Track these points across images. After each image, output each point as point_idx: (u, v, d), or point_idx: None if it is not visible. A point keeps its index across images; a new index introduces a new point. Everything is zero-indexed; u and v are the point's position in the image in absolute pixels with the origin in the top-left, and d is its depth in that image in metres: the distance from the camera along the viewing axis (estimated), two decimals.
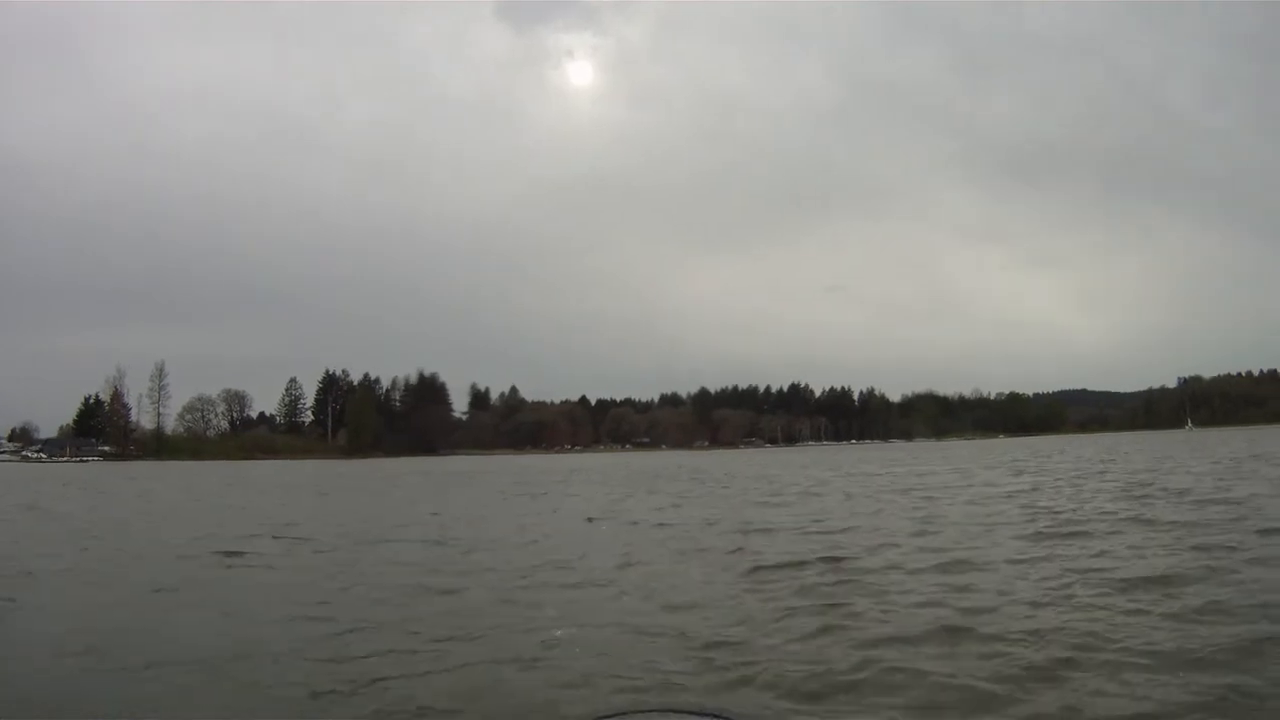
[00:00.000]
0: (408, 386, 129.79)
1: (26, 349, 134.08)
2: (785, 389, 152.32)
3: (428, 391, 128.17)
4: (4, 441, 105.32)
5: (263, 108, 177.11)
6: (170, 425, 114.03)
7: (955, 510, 14.63)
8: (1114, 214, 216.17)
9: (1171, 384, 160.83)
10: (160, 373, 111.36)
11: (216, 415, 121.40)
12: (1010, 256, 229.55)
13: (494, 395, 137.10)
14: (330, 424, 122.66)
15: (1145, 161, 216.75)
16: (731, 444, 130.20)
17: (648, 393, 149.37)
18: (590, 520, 15.13)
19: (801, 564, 8.81)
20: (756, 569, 8.62)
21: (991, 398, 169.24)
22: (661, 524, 13.79)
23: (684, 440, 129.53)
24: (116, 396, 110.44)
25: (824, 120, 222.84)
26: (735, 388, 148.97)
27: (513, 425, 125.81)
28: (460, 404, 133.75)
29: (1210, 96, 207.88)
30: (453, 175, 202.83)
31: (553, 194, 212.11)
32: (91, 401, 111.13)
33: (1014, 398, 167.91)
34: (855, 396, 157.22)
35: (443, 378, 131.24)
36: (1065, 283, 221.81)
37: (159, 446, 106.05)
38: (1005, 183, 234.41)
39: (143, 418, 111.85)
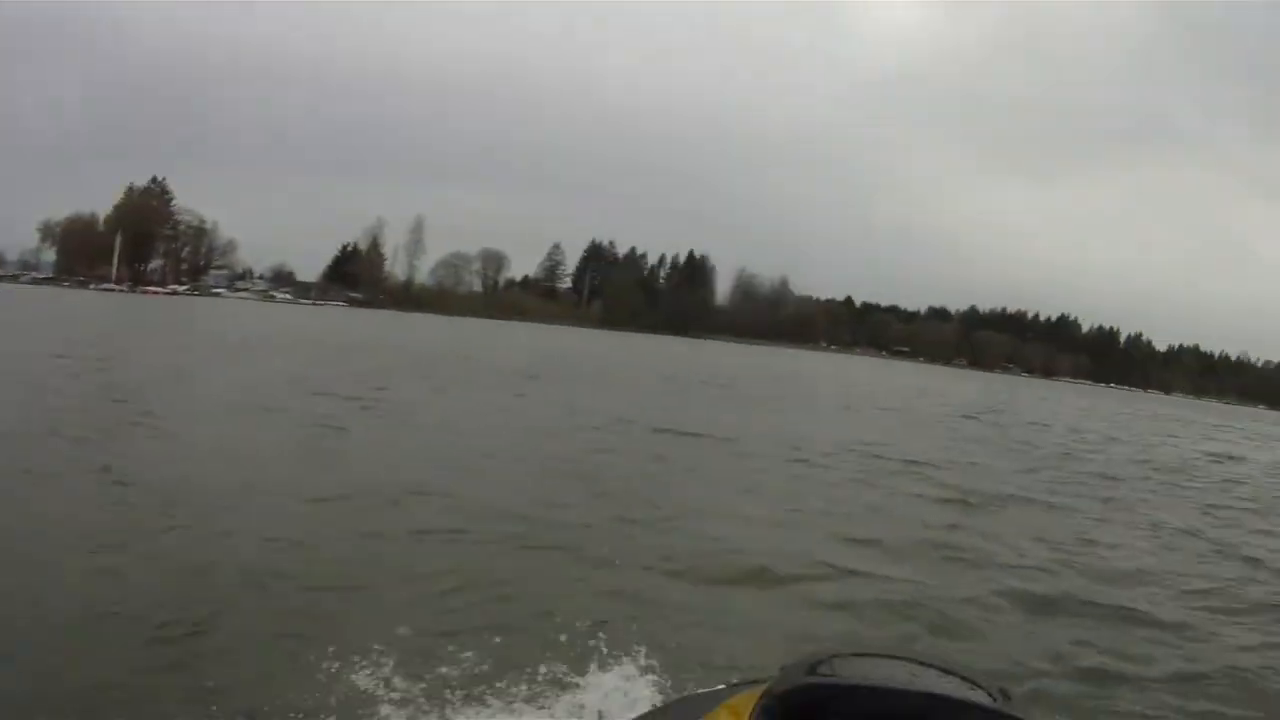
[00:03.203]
0: (674, 266, 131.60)
1: (296, 195, 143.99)
2: (1053, 319, 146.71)
3: (695, 273, 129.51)
4: (257, 280, 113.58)
5: None
6: (424, 279, 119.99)
7: None
8: None
9: None
10: (419, 226, 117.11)
11: (471, 274, 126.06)
12: None
13: (764, 285, 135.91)
14: (586, 294, 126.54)
15: None
16: (989, 368, 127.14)
17: (915, 303, 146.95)
18: None
19: None
20: None
21: (1259, 365, 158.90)
22: None
23: (943, 357, 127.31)
24: (374, 246, 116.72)
25: (1133, 57, 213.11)
26: (1003, 310, 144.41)
27: (777, 318, 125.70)
28: (726, 289, 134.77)
29: None
30: (747, 65, 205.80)
31: (851, 92, 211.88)
32: (349, 249, 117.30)
33: None
34: (1122, 339, 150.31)
35: (713, 261, 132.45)
36: None
37: (406, 298, 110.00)
38: None
39: (397, 268, 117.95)
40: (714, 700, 2.46)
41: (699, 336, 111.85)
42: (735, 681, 2.74)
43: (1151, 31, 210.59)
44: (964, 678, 2.20)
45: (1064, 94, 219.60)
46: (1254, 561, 10.69)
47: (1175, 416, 57.65)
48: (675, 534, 8.75)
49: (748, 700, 2.19)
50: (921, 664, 2.25)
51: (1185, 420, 53.53)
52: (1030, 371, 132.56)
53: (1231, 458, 27.45)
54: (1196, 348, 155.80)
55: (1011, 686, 2.19)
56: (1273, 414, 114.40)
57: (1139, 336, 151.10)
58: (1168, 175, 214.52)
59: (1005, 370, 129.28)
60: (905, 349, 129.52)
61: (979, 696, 2.08)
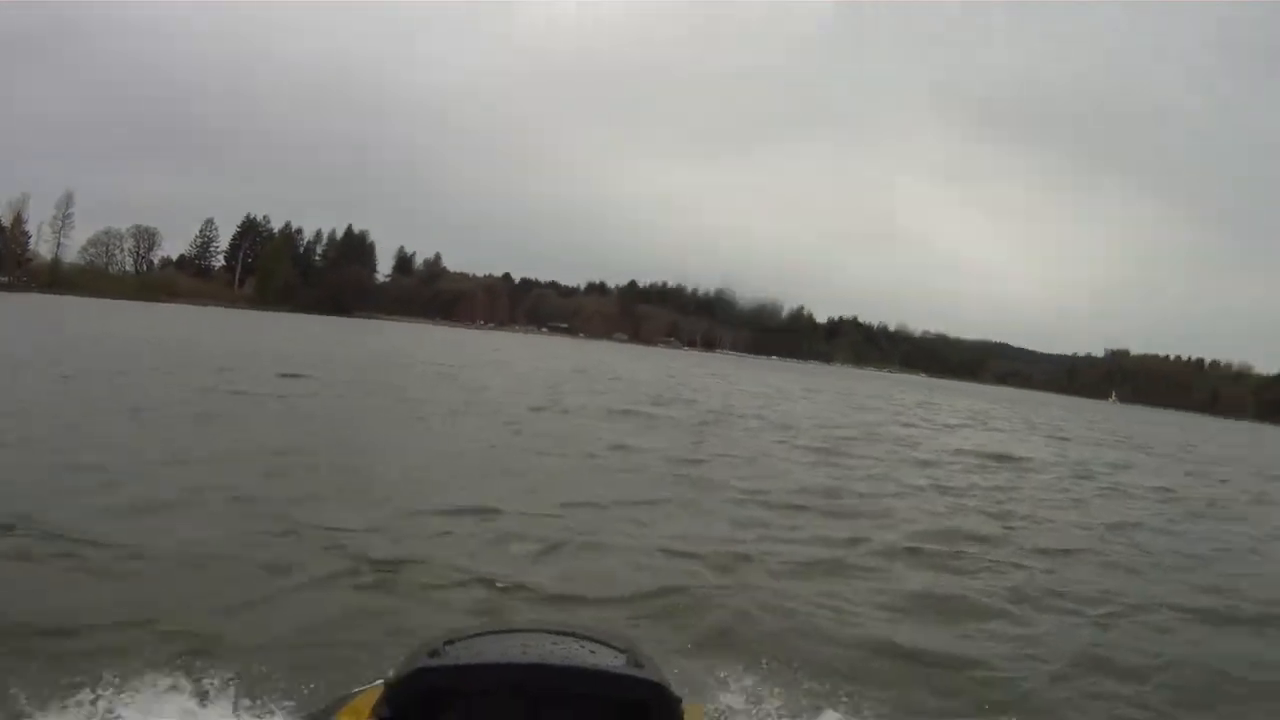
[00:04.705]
0: (332, 241, 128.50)
1: None
2: (712, 293, 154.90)
3: (354, 249, 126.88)
4: None
5: None
6: (72, 259, 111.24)
7: None
8: (1076, 178, 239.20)
9: (1097, 353, 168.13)
10: (67, 201, 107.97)
11: (123, 252, 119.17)
12: (962, 199, 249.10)
13: (419, 261, 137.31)
14: (240, 272, 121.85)
15: (1119, 134, 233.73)
16: (650, 341, 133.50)
17: (574, 278, 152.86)
18: None
19: None
20: None
21: (917, 335, 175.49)
22: None
23: (603, 331, 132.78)
24: (17, 222, 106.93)
25: (805, 39, 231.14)
26: (664, 284, 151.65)
27: (432, 293, 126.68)
28: (386, 266, 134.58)
29: (1196, 86, 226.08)
30: (408, 37, 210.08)
31: (511, 69, 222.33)
32: None
33: (941, 339, 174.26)
34: (784, 312, 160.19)
35: (372, 237, 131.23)
36: (1009, 235, 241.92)
37: (53, 279, 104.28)
38: (974, 129, 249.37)
39: (43, 248, 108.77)
40: (336, 707, 2.46)
41: (358, 315, 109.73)
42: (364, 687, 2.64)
43: (829, 19, 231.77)
44: (596, 640, 2.27)
45: (734, 78, 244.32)
46: None
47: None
48: None
49: (369, 698, 2.18)
50: (549, 632, 2.30)
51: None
52: (691, 344, 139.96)
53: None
54: (855, 319, 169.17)
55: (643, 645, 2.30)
56: (934, 380, 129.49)
57: (800, 310, 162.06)
58: (830, 155, 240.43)
59: (666, 344, 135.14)
60: (564, 325, 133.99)
61: (604, 657, 2.16)
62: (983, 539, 10.66)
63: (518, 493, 10.01)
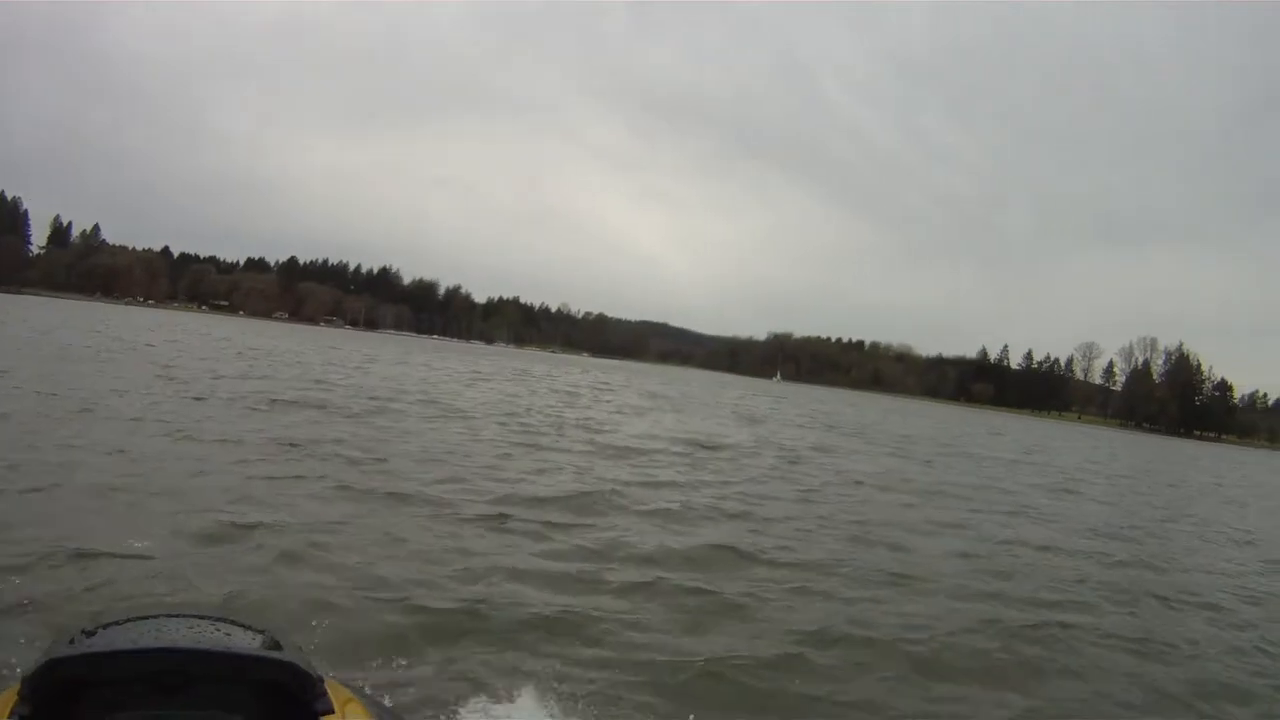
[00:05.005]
0: None
1: None
2: (375, 271, 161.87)
3: (4, 218, 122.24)
4: None
5: None
6: None
7: None
8: (743, 173, 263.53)
9: (760, 336, 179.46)
10: None
11: None
12: (627, 186, 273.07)
13: (76, 232, 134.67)
14: None
15: (787, 136, 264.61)
16: (313, 320, 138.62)
17: (235, 254, 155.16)
18: None
19: None
20: None
21: (579, 315, 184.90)
22: None
23: (264, 309, 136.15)
24: None
25: (478, 24, 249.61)
26: (325, 261, 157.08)
27: (88, 268, 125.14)
28: (42, 237, 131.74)
29: (866, 96, 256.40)
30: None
31: (178, 34, 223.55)
32: None
33: (601, 319, 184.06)
34: (441, 291, 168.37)
35: (27, 205, 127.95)
36: (673, 222, 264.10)
37: None
38: (646, 122, 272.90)
39: None
40: None
41: (4, 290, 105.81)
42: None
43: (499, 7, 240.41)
44: (233, 623, 2.30)
45: (398, 54, 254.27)
46: None
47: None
48: None
49: (7, 700, 2.03)
50: (186, 617, 2.30)
51: None
52: (354, 323, 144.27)
53: None
54: (517, 300, 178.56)
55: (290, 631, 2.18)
56: (599, 360, 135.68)
57: (458, 289, 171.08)
58: (494, 139, 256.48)
59: (328, 323, 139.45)
60: (224, 302, 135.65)
61: (240, 640, 2.19)
62: (737, 553, 9.37)
63: (172, 518, 7.89)
